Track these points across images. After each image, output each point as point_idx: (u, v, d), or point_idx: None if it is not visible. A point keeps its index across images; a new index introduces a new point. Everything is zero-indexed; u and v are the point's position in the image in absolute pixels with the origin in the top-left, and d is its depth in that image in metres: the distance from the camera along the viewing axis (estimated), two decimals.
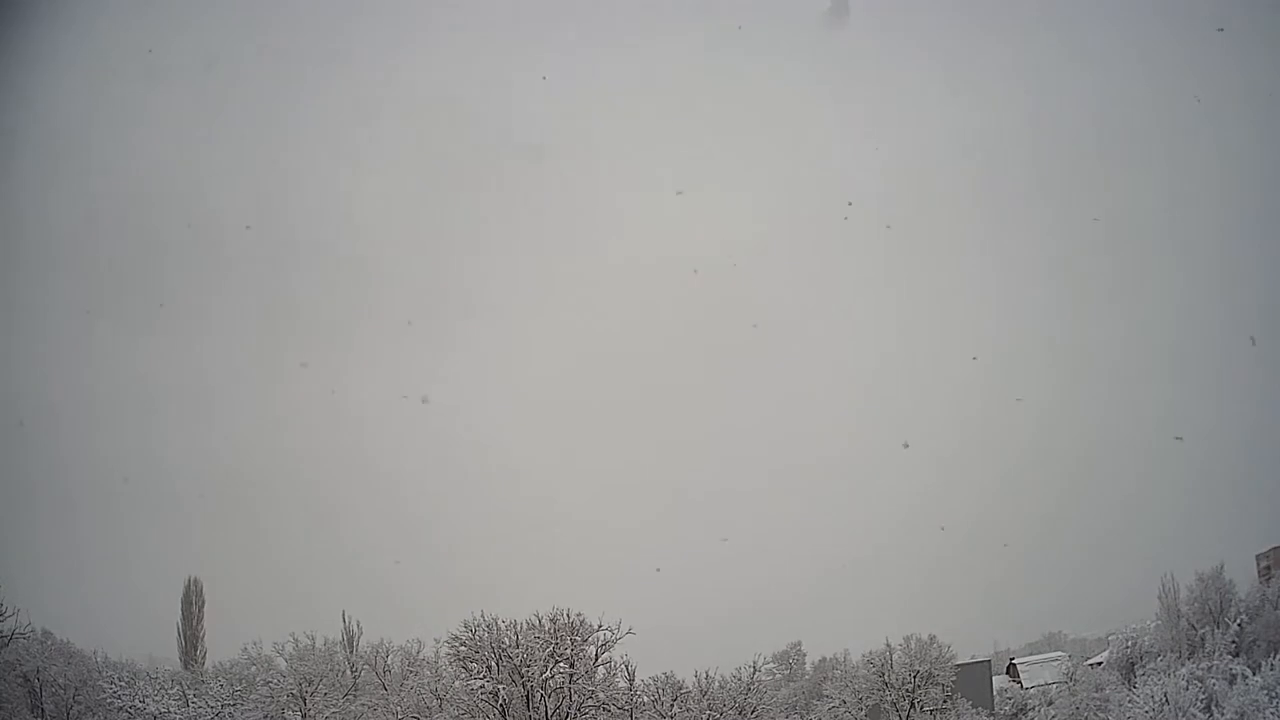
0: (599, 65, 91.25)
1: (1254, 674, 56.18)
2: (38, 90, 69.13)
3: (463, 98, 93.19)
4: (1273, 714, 52.14)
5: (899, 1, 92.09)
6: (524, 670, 51.96)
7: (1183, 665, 61.37)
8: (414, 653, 66.19)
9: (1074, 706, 65.85)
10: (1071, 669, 76.22)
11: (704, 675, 57.23)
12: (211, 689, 56.99)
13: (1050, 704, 68.34)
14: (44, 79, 70.13)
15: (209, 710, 53.57)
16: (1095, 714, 63.21)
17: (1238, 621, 66.69)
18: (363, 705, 58.70)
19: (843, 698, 66.07)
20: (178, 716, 52.46)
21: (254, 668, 62.34)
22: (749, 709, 56.60)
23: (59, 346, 79.64)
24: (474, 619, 53.05)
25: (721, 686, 56.98)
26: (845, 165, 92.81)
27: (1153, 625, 72.19)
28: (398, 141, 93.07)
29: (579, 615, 53.16)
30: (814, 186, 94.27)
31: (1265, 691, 53.71)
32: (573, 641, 53.13)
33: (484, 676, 51.79)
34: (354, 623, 68.36)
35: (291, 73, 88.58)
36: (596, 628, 53.66)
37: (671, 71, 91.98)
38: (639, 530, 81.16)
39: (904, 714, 64.78)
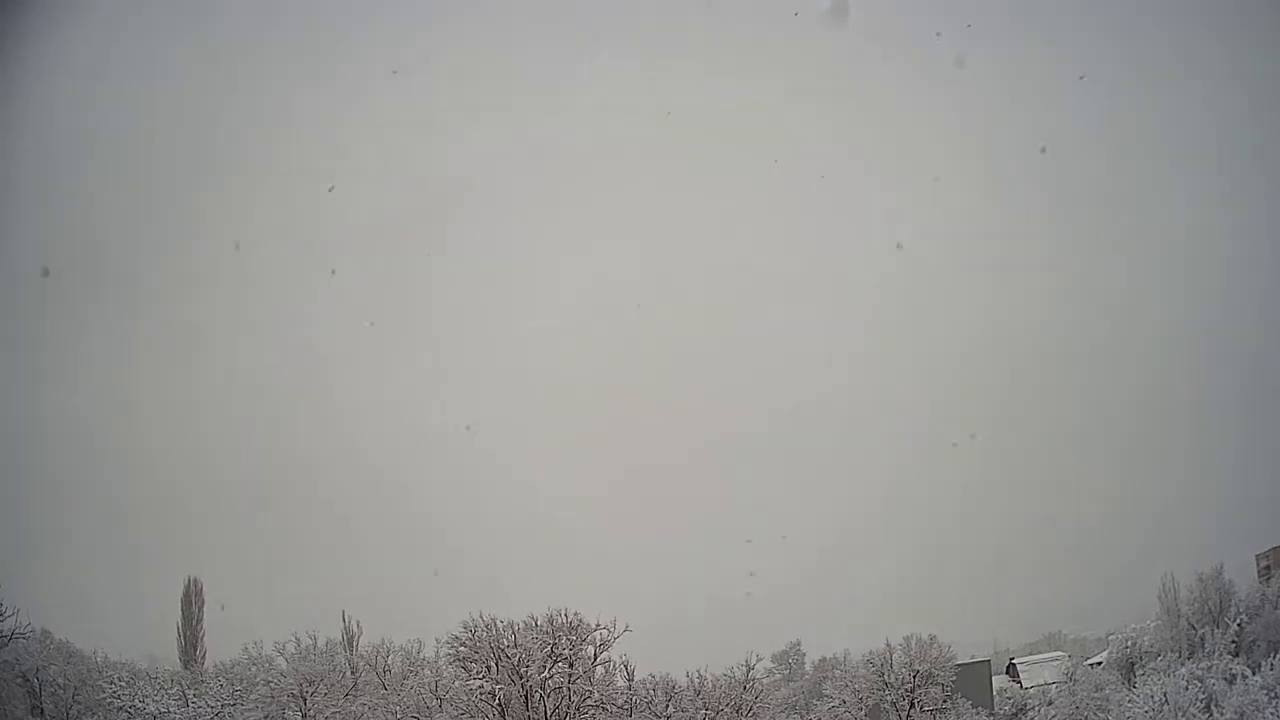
0: (606, 66, 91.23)
1: (1254, 674, 56.31)
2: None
3: (464, 97, 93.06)
4: (1273, 714, 52.22)
5: (896, 4, 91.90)
6: (522, 670, 52.03)
7: (1182, 665, 61.52)
8: (414, 653, 66.28)
9: (1074, 706, 65.83)
10: (1071, 669, 76.20)
11: (697, 675, 57.34)
12: (211, 689, 56.96)
13: (1050, 704, 68.33)
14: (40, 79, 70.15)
15: (209, 710, 53.53)
16: (1095, 714, 63.20)
17: (1237, 621, 66.83)
18: (363, 705, 58.70)
19: (843, 698, 65.98)
20: (178, 716, 52.40)
21: (254, 668, 62.30)
22: (745, 707, 56.60)
23: (57, 347, 79.61)
24: (472, 619, 53.19)
25: (715, 685, 57.01)
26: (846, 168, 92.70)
27: (1153, 625, 72.32)
28: (389, 144, 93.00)
29: (576, 615, 53.27)
30: (813, 186, 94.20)
31: (1265, 691, 53.80)
32: (570, 641, 53.21)
33: (483, 677, 51.89)
34: (354, 623, 68.55)
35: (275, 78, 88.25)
36: (594, 627, 53.76)
37: (667, 70, 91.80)
38: (639, 530, 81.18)
39: (904, 714, 64.72)
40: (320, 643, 64.74)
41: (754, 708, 56.98)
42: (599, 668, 54.88)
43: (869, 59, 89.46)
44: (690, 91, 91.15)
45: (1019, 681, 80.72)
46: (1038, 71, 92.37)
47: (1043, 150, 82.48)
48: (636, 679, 56.80)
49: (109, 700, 52.95)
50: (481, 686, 51.56)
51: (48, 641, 57.44)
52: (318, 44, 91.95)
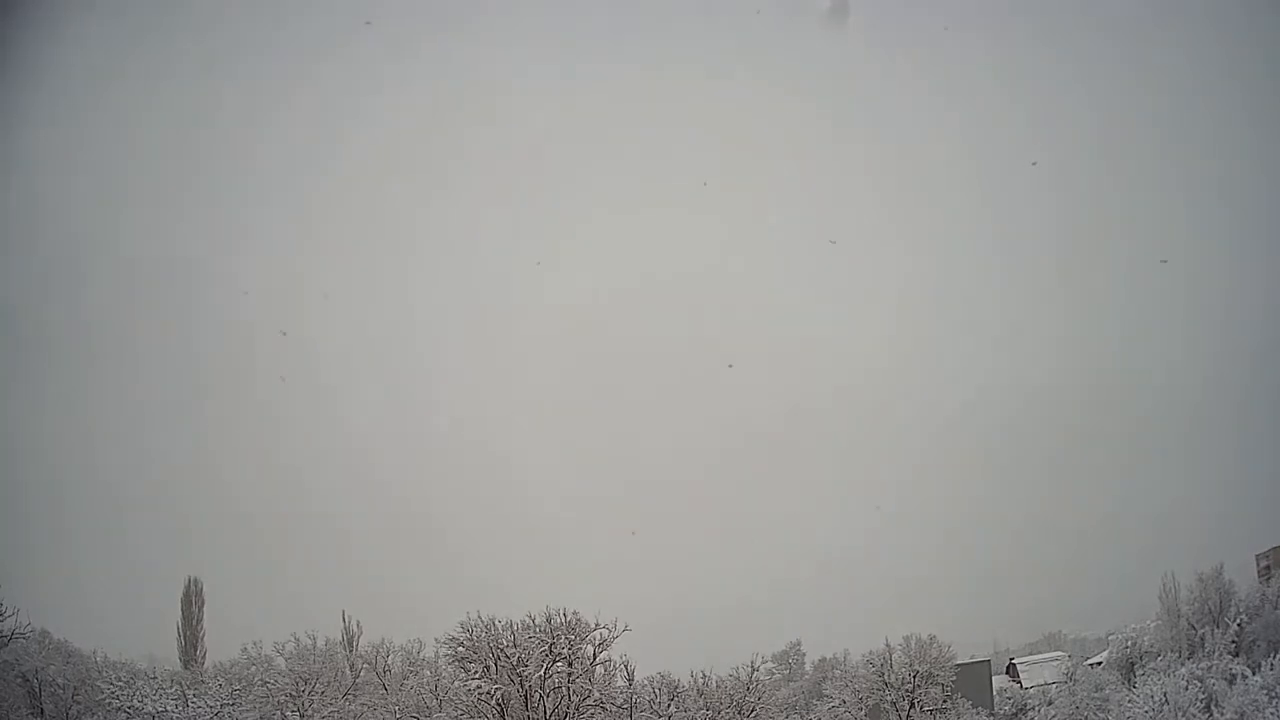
0: (601, 69, 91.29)
1: (1254, 674, 56.28)
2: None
3: (457, 100, 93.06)
4: (1273, 714, 52.16)
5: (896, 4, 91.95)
6: (521, 670, 51.98)
7: (1183, 665, 61.49)
8: (414, 653, 66.30)
9: (1074, 706, 65.81)
10: (1071, 669, 76.25)
11: (700, 675, 57.26)
12: (211, 689, 56.82)
13: (1050, 704, 68.30)
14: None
15: (208, 710, 53.28)
16: (1095, 714, 63.19)
17: (1238, 621, 66.84)
18: (362, 705, 58.64)
19: (843, 698, 65.93)
20: (177, 716, 52.17)
21: (253, 668, 62.27)
22: (747, 708, 56.53)
23: (57, 347, 79.65)
24: (471, 619, 53.14)
25: (719, 686, 56.94)
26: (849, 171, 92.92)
27: (1153, 625, 72.34)
28: (385, 146, 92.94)
29: (575, 614, 53.20)
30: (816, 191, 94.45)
31: (1265, 691, 53.75)
32: (569, 641, 53.14)
33: (482, 676, 51.83)
34: (354, 623, 68.59)
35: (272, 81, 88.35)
36: (594, 627, 53.71)
37: (674, 75, 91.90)
38: (639, 530, 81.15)
39: (904, 714, 64.67)
40: (319, 643, 64.79)
41: (756, 708, 56.86)
42: (598, 667, 54.80)
43: (871, 60, 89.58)
44: (692, 96, 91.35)
45: (1019, 681, 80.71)
46: (1037, 74, 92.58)
47: (1034, 164, 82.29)
48: (637, 679, 56.70)
49: (109, 700, 52.75)
50: (480, 686, 51.48)
51: (47, 641, 57.42)
52: (316, 44, 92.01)
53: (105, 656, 59.48)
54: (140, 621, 71.91)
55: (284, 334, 76.70)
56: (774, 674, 76.76)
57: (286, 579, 76.64)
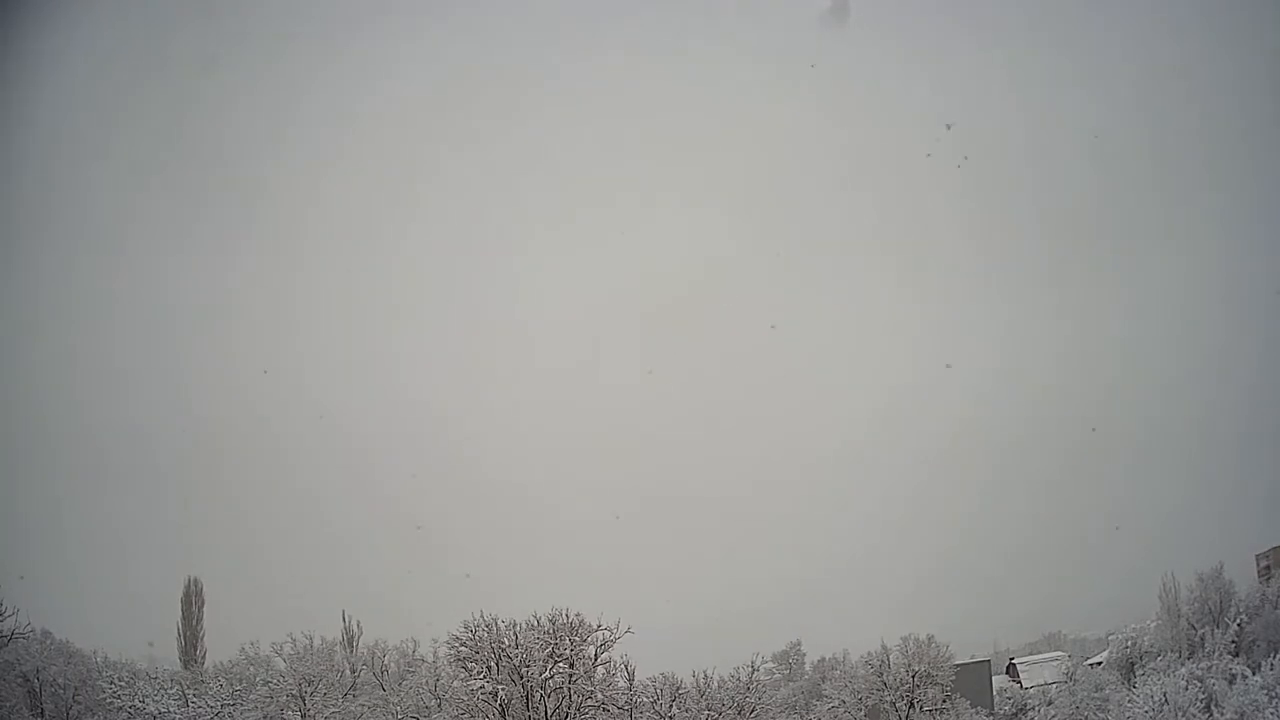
0: (601, 59, 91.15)
1: (1254, 674, 56.38)
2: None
3: (457, 98, 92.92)
4: (1272, 714, 52.27)
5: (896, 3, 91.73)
6: (523, 670, 52.04)
7: (1183, 665, 61.60)
8: (412, 652, 66.33)
9: (1074, 706, 65.91)
10: (1071, 669, 76.28)
11: (702, 675, 57.30)
12: (211, 689, 56.91)
13: (1050, 704, 68.38)
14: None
15: (209, 710, 53.46)
16: (1095, 714, 63.29)
17: (1237, 621, 66.89)
18: (362, 705, 58.72)
19: (842, 698, 66.00)
20: (178, 716, 52.34)
21: (253, 668, 62.32)
22: (748, 709, 56.58)
23: (55, 346, 79.54)
24: (473, 619, 53.19)
25: (720, 686, 56.98)
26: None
27: (1153, 625, 72.38)
28: (387, 143, 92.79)
29: (578, 615, 53.29)
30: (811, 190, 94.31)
31: (1265, 691, 53.85)
32: (572, 641, 53.21)
33: (483, 677, 51.90)
34: (353, 623, 68.64)
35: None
36: (596, 628, 53.77)
37: (674, 70, 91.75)
38: (639, 530, 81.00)
39: (903, 714, 64.74)
40: (319, 643, 64.85)
41: (756, 708, 56.94)
42: (599, 668, 54.87)
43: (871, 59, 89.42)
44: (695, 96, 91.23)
45: (1019, 681, 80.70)
46: (1038, 73, 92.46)
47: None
48: (639, 680, 56.76)
49: (109, 700, 52.92)
50: (483, 687, 51.56)
51: (48, 641, 57.45)
52: (316, 44, 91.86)
53: (106, 657, 59.50)
54: (140, 621, 71.89)
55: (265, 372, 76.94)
56: (774, 674, 76.84)
57: (286, 579, 76.55)
